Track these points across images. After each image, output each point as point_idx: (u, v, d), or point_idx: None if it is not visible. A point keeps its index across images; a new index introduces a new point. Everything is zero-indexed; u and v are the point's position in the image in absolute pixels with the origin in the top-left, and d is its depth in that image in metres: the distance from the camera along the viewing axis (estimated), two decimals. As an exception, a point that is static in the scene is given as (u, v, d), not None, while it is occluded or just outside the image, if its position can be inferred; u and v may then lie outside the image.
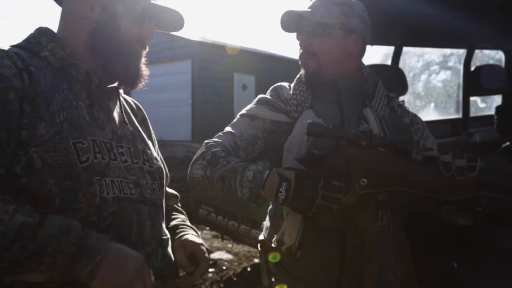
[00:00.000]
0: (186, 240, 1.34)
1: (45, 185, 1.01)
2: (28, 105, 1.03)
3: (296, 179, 1.27)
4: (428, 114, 4.10)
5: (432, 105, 4.11)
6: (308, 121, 1.33)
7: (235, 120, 1.59)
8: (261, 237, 1.62)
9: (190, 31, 15.00)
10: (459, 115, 3.73)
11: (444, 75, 4.34)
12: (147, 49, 1.28)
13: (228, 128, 1.56)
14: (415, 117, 1.61)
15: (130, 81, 1.25)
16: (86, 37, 1.19)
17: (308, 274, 1.48)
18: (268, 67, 15.08)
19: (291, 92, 1.57)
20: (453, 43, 3.53)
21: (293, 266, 1.49)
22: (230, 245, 5.22)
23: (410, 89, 4.54)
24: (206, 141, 1.53)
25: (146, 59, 1.28)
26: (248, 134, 1.52)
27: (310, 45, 1.51)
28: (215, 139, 1.52)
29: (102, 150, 1.12)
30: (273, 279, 1.57)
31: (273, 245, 1.49)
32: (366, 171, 1.22)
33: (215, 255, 4.81)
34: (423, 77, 4.25)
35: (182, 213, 1.52)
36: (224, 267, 4.52)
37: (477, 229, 2.76)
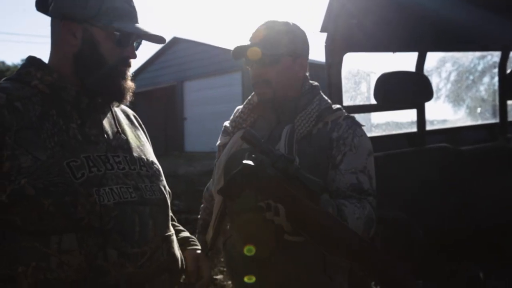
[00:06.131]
0: (199, 254, 1.50)
1: (42, 205, 1.14)
2: (11, 137, 1.15)
3: None
4: (463, 119, 3.96)
5: (467, 109, 3.97)
6: (247, 128, 1.45)
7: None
8: None
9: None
10: (497, 120, 3.58)
11: (480, 78, 4.18)
12: (131, 65, 1.37)
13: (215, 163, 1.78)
14: (346, 133, 1.60)
15: (116, 98, 1.36)
16: (71, 62, 1.31)
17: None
18: (318, 75, 14.99)
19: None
20: (484, 46, 3.40)
21: None
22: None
23: (443, 94, 4.40)
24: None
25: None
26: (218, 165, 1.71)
27: (264, 73, 1.61)
28: (207, 185, 1.90)
29: (97, 164, 1.25)
30: None
31: None
32: (266, 193, 1.29)
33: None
34: (457, 81, 4.11)
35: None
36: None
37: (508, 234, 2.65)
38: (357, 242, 1.19)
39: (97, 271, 1.17)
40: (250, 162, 1.30)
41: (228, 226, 1.71)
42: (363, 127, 1.64)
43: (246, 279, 1.64)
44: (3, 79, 1.30)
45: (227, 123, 1.77)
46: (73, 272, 1.15)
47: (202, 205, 1.92)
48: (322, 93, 1.71)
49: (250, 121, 1.69)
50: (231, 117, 1.76)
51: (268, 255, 1.51)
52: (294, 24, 1.65)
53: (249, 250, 1.53)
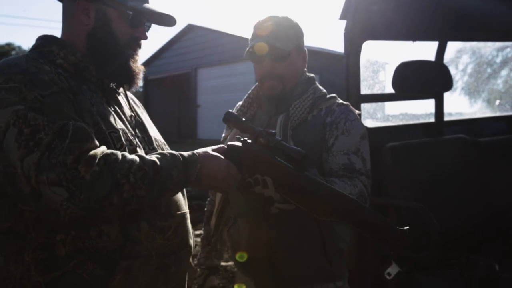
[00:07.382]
0: None
1: None
2: (76, 102, 1.19)
3: None
4: (481, 111, 3.89)
5: (485, 101, 3.90)
6: (228, 110, 1.51)
7: None
8: None
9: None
10: (516, 112, 3.52)
11: (499, 70, 4.10)
12: (141, 47, 1.39)
13: None
14: (339, 118, 1.66)
15: (125, 81, 1.38)
16: (84, 42, 1.31)
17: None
18: (331, 65, 14.92)
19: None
20: (507, 35, 3.33)
21: None
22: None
23: (462, 85, 4.34)
24: None
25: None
26: None
27: (276, 68, 1.66)
28: None
29: (128, 138, 1.28)
30: None
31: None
32: (252, 169, 1.35)
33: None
34: (475, 72, 4.04)
35: None
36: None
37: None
38: (343, 199, 1.22)
39: (131, 241, 1.22)
40: (235, 143, 1.37)
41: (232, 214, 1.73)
42: (357, 113, 1.70)
43: (236, 287, 1.69)
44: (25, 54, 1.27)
45: None
46: (111, 242, 1.19)
47: (208, 198, 1.95)
48: (317, 84, 1.76)
49: (250, 114, 1.76)
50: (233, 111, 1.80)
51: (262, 257, 1.52)
52: (292, 19, 1.70)
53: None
